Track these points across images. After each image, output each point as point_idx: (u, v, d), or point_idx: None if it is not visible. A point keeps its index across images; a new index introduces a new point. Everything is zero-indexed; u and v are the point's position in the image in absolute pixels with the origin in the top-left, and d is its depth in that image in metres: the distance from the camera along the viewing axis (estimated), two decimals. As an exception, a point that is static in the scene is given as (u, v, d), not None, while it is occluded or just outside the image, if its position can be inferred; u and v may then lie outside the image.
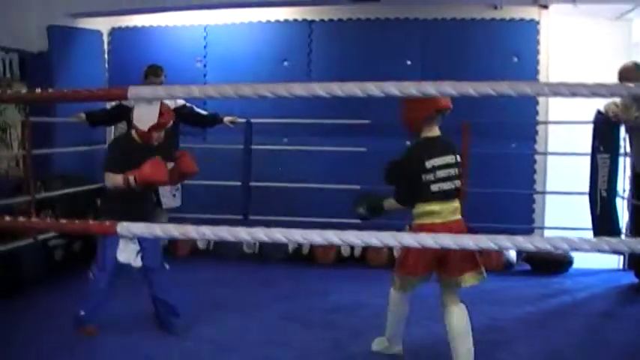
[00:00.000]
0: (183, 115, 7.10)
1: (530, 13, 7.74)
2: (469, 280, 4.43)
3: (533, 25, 7.75)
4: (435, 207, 4.32)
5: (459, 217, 4.44)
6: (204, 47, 8.31)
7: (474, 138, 7.16)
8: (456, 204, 4.42)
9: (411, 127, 4.58)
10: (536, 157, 7.80)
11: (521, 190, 7.73)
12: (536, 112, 7.76)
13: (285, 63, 8.10)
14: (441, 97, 4.17)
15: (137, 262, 5.01)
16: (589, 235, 6.70)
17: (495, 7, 7.73)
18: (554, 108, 7.66)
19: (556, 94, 1.83)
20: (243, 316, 5.69)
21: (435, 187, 4.31)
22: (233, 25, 8.22)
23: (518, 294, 6.49)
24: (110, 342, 5.02)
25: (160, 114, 4.97)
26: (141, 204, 5.12)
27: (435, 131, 4.48)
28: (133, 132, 5.10)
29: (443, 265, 4.38)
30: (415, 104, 4.35)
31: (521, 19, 7.76)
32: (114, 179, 4.86)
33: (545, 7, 7.65)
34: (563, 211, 7.42)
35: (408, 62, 7.85)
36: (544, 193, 7.77)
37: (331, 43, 8.09)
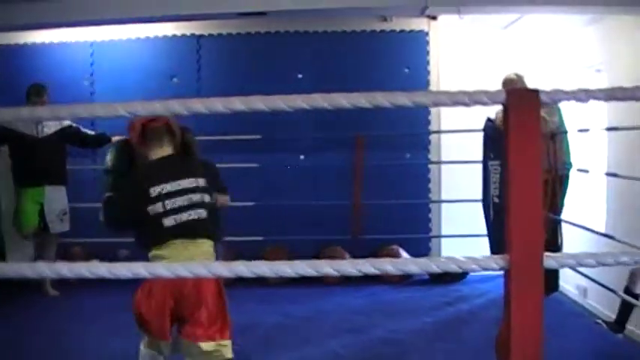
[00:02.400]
0: (69, 135, 6.86)
1: (419, 24, 7.83)
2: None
3: (422, 36, 7.85)
4: (168, 251, 3.48)
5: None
6: (91, 64, 8.04)
7: (368, 151, 7.18)
8: (205, 247, 3.60)
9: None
10: (430, 166, 7.87)
11: (417, 199, 7.78)
12: (429, 122, 7.83)
13: (175, 79, 7.92)
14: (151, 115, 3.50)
15: None
16: (485, 241, 6.81)
17: (384, 19, 7.79)
18: (446, 117, 7.75)
19: (437, 104, 1.77)
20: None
21: (168, 222, 3.48)
22: (120, 42, 7.97)
23: (415, 305, 6.49)
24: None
25: None
26: None
27: (164, 151, 3.71)
28: None
29: (182, 324, 3.56)
30: (130, 125, 3.70)
31: (411, 31, 7.84)
32: None
33: (434, 18, 7.74)
34: (460, 219, 7.50)
35: (299, 76, 7.81)
36: (439, 201, 7.84)
37: (220, 58, 7.98)
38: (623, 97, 1.86)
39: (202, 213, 3.57)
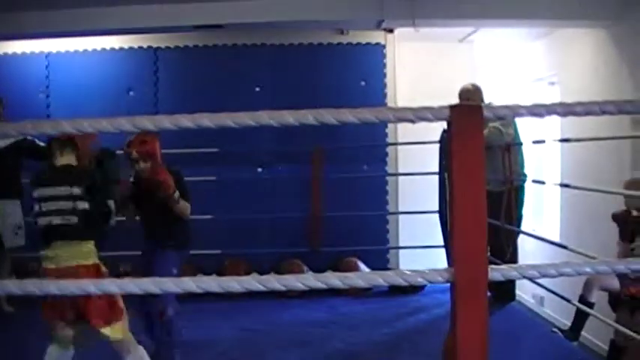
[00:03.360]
0: (24, 149, 6.75)
1: (376, 37, 7.88)
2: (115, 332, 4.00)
3: (379, 48, 7.91)
4: (46, 249, 3.93)
5: (83, 262, 3.94)
6: (47, 77, 7.94)
7: (326, 163, 7.20)
8: (79, 247, 3.94)
9: None
10: (388, 178, 7.92)
11: (375, 211, 7.81)
12: (386, 134, 7.88)
13: (131, 92, 7.86)
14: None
15: None
16: (442, 251, 6.86)
17: (342, 32, 7.83)
18: (403, 129, 7.80)
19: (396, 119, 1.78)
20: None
21: (43, 221, 3.94)
22: (76, 53, 7.90)
23: (375, 316, 6.49)
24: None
25: None
26: None
27: (64, 159, 4.09)
28: None
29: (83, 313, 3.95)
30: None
31: (368, 44, 7.90)
32: None
33: (391, 31, 7.81)
34: (418, 230, 7.54)
35: (257, 89, 7.81)
36: (397, 213, 7.87)
37: (178, 70, 7.94)
38: (562, 113, 1.90)
39: (72, 219, 3.91)
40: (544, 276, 1.88)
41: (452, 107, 1.79)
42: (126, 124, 1.90)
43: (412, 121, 1.74)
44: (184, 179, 5.01)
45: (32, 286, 1.91)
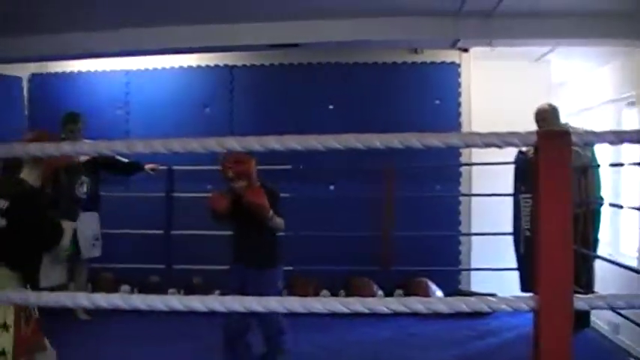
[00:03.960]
0: (103, 163, 6.95)
1: (450, 56, 7.84)
2: None
3: (454, 68, 7.87)
4: None
5: None
6: (126, 94, 8.17)
7: (398, 181, 7.18)
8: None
9: None
10: (461, 198, 7.84)
11: (447, 231, 7.74)
12: (460, 154, 7.81)
13: (207, 109, 8.01)
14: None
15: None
16: (515, 275, 6.74)
17: (416, 51, 7.82)
18: (477, 149, 7.72)
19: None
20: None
21: None
22: (155, 71, 8.11)
23: (444, 337, 6.42)
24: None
25: None
26: None
27: (21, 173, 3.88)
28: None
29: None
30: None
31: (442, 62, 7.86)
32: None
33: (466, 50, 7.76)
34: (490, 252, 7.44)
35: (330, 107, 7.85)
36: (470, 234, 7.78)
37: (253, 88, 8.06)
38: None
39: None
40: (631, 307, 1.85)
41: (539, 133, 1.77)
42: (197, 147, 1.94)
43: (499, 147, 1.74)
44: (279, 196, 5.12)
45: (102, 300, 1.95)
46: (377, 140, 1.75)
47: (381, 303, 1.73)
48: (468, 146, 1.75)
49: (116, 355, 5.70)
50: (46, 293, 2.06)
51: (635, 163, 6.18)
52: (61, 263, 7.05)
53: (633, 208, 6.15)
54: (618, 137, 1.86)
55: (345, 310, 1.73)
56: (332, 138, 1.83)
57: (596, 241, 6.14)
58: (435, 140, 1.70)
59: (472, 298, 1.78)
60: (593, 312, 6.58)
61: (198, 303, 1.90)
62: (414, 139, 1.71)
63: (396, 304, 1.70)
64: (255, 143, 1.86)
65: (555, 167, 1.74)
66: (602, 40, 6.46)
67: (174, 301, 1.86)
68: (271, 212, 4.82)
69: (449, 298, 1.77)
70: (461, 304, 1.75)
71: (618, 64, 7.46)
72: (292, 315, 6.95)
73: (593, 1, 5.83)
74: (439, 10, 6.22)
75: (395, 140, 1.73)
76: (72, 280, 6.88)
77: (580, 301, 1.83)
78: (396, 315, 6.01)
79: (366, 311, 1.74)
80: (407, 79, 7.88)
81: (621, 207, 6.48)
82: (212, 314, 2.17)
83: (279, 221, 4.95)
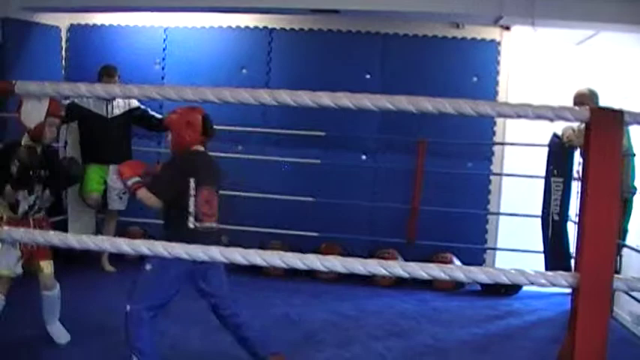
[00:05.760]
0: (136, 117, 7.02)
1: (491, 33, 7.74)
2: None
3: (494, 45, 7.77)
4: None
5: None
6: (164, 49, 8.16)
7: (430, 156, 7.17)
8: None
9: None
10: (492, 177, 7.80)
11: (475, 209, 7.72)
12: (494, 133, 7.77)
13: (244, 70, 7.98)
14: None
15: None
16: (540, 257, 6.71)
17: (457, 26, 7.73)
18: (511, 129, 7.67)
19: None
20: (183, 324, 5.46)
21: None
22: (193, 29, 8.09)
23: (465, 314, 6.43)
24: None
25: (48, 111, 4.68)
26: None
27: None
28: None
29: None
30: None
31: (483, 39, 7.76)
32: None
33: (507, 28, 7.67)
34: (516, 232, 7.42)
35: (367, 76, 7.81)
36: (498, 214, 7.75)
37: (291, 52, 8.01)
38: None
39: None
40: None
41: (592, 110, 1.75)
42: (249, 97, 1.94)
43: (551, 120, 1.72)
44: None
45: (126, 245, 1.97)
46: (409, 103, 1.73)
47: (399, 267, 1.73)
48: (519, 116, 1.73)
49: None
50: (71, 235, 2.07)
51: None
52: (89, 213, 7.19)
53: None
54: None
55: (364, 270, 1.73)
56: (365, 97, 1.82)
57: (625, 231, 6.09)
58: (487, 108, 1.68)
59: (512, 270, 1.77)
60: (615, 303, 6.55)
61: (218, 254, 1.91)
62: (466, 106, 1.69)
63: (437, 270, 1.69)
64: (288, 98, 1.86)
65: (606, 144, 1.72)
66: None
67: (197, 251, 1.87)
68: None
69: (489, 268, 1.76)
70: (500, 274, 1.74)
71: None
72: (313, 281, 7.07)
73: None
74: (484, -16, 6.17)
75: (428, 104, 1.71)
76: (100, 233, 6.99)
77: (619, 282, 1.82)
78: (419, 289, 6.07)
79: (385, 273, 1.73)
80: (446, 53, 7.80)
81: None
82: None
83: None
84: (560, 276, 1.79)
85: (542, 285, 1.79)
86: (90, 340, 5.00)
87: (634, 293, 5.74)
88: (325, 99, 1.83)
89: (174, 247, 2.00)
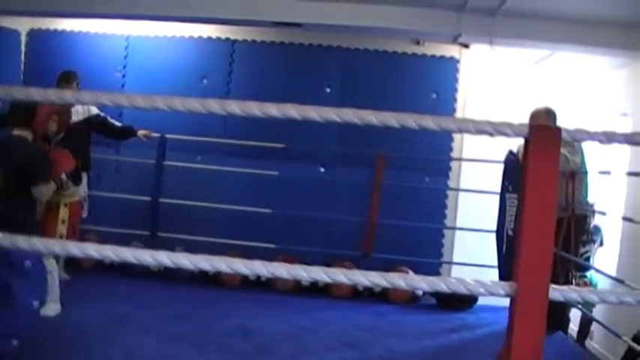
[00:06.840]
0: (96, 124, 6.95)
1: (451, 51, 7.87)
2: None
3: (453, 63, 7.90)
4: None
5: None
6: (125, 57, 8.14)
7: (388, 170, 7.24)
8: None
9: None
10: (448, 192, 7.90)
11: (432, 224, 7.80)
12: (451, 149, 7.87)
13: (205, 80, 8.00)
14: None
15: None
16: (495, 272, 6.80)
17: (417, 43, 7.84)
18: (468, 145, 7.78)
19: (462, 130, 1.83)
20: (139, 333, 5.48)
21: None
22: (156, 38, 8.08)
23: (419, 327, 6.51)
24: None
25: None
26: None
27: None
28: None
29: None
30: None
31: (442, 57, 7.89)
32: None
33: (467, 46, 7.79)
34: (472, 247, 7.51)
35: (328, 89, 7.88)
36: (454, 228, 7.84)
37: (253, 64, 8.05)
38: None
39: None
40: (604, 301, 1.89)
41: (531, 126, 1.81)
42: (198, 106, 1.97)
43: (491, 134, 1.78)
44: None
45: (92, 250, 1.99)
46: (374, 117, 1.78)
47: (362, 275, 1.77)
48: (460, 131, 1.79)
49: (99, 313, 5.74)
50: (39, 239, 2.07)
51: (631, 173, 6.25)
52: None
53: (623, 218, 6.22)
54: (608, 137, 1.90)
55: (326, 279, 1.77)
56: (331, 111, 1.86)
57: (577, 246, 6.20)
58: (430, 122, 1.73)
59: (452, 279, 1.82)
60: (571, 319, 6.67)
61: (185, 260, 1.93)
62: (410, 120, 1.75)
63: (379, 278, 1.74)
64: (256, 108, 1.89)
65: (544, 159, 1.78)
66: (601, 49, 6.51)
67: (162, 257, 1.90)
68: None
69: (430, 277, 1.81)
70: (440, 283, 1.79)
71: (620, 74, 7.51)
72: (267, 291, 7.07)
73: (595, 9, 5.87)
74: (443, 3, 6.25)
75: (391, 119, 1.76)
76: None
77: (555, 292, 1.88)
78: (375, 302, 6.11)
79: (348, 282, 1.77)
80: (406, 69, 7.90)
81: (604, 214, 6.55)
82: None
83: None
84: (498, 285, 1.85)
85: (481, 294, 1.84)
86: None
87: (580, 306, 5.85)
88: (272, 109, 1.87)
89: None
